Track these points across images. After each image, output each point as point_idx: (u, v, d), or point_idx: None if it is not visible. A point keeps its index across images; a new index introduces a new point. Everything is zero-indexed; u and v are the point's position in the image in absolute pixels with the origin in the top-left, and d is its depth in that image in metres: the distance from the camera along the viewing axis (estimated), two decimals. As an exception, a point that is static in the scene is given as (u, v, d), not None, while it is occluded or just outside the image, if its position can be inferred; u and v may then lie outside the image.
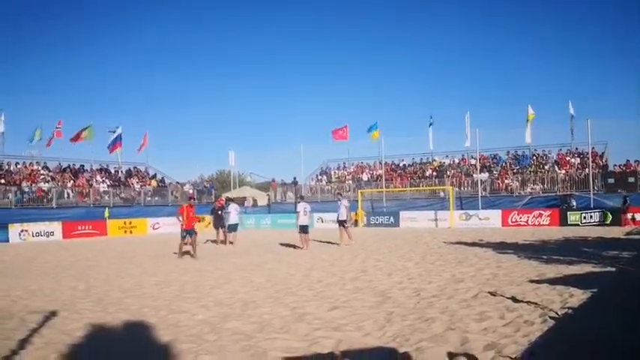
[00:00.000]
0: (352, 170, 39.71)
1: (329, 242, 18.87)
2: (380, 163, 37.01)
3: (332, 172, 40.41)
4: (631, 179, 27.93)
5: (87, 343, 6.30)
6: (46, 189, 31.21)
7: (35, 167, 33.32)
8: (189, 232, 15.65)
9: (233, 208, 20.52)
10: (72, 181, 33.52)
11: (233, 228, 20.22)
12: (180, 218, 15.77)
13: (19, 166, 32.76)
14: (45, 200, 30.67)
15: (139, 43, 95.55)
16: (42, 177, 32.49)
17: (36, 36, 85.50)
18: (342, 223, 18.81)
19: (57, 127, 34.37)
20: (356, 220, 30.02)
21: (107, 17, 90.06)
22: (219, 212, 21.24)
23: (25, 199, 29.93)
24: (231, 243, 19.97)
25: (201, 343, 5.97)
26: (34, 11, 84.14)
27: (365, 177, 37.82)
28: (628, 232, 20.53)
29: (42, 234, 26.80)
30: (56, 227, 27.48)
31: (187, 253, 15.77)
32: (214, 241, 21.03)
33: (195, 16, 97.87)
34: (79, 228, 28.24)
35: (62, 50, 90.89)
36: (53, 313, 7.81)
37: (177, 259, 15.35)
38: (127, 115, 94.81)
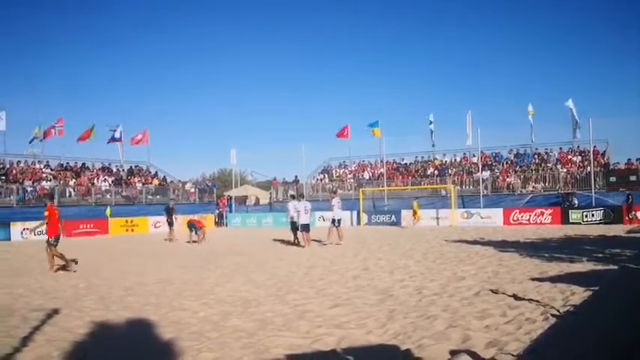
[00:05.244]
0: (353, 169, 39.61)
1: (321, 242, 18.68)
2: (381, 161, 36.86)
3: (333, 171, 40.30)
4: (633, 177, 27.84)
5: (89, 340, 6.31)
6: (47, 187, 31.22)
7: (37, 166, 33.35)
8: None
9: (296, 206, 19.05)
10: (74, 180, 33.55)
11: (305, 228, 18.34)
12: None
13: (20, 165, 32.75)
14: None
15: (141, 42, 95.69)
16: (44, 175, 32.52)
17: (37, 34, 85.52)
18: (337, 222, 18.38)
19: (59, 126, 34.30)
20: (415, 214, 28.01)
21: (109, 16, 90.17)
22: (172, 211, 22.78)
23: (26, 198, 29.92)
24: (298, 244, 18.68)
25: (203, 340, 5.98)
26: (34, 10, 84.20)
27: (366, 175, 37.77)
28: (629, 230, 20.46)
29: (44, 232, 26.70)
30: (58, 226, 27.38)
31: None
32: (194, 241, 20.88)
33: (198, 16, 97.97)
34: (81, 227, 28.21)
35: (64, 49, 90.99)
36: (55, 311, 7.83)
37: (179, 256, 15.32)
38: (128, 114, 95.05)
